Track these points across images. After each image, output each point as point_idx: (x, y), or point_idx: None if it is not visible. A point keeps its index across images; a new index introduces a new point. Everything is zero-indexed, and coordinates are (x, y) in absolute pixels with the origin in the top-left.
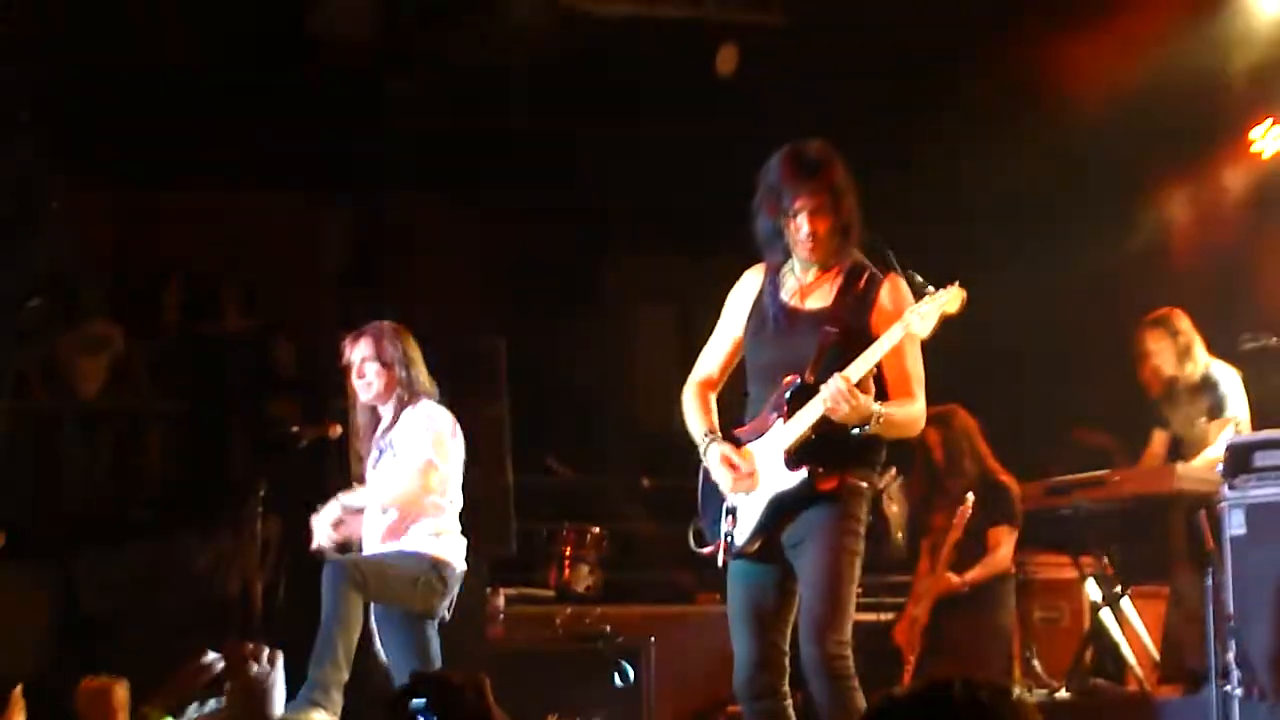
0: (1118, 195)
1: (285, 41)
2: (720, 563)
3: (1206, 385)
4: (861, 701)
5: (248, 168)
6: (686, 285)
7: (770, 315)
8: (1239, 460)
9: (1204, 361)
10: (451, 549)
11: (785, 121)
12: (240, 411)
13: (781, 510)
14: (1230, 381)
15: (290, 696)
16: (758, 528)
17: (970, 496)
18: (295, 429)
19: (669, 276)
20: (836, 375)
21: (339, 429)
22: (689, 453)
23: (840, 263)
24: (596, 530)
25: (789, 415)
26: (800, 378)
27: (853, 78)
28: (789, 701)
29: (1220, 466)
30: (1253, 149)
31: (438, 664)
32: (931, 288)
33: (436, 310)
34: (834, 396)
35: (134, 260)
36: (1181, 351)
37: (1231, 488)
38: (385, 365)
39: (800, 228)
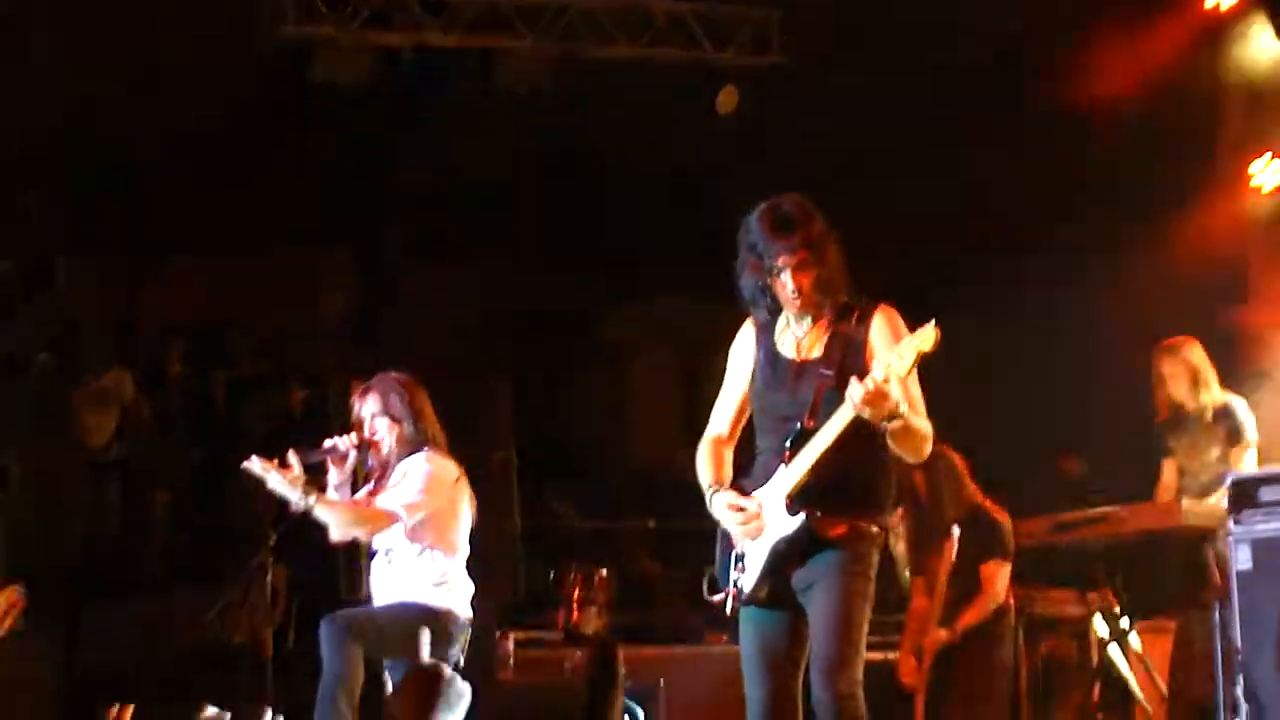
0: (1116, 224)
1: (287, 97)
2: (729, 610)
3: (1223, 415)
4: None
5: (251, 222)
6: (687, 327)
7: (770, 370)
8: (1244, 495)
9: (1218, 391)
10: (454, 598)
11: (785, 161)
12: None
13: (784, 555)
14: (1244, 410)
15: None
16: (763, 574)
17: (956, 530)
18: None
19: (669, 319)
20: (857, 381)
21: None
22: (693, 494)
23: (829, 309)
24: (604, 572)
25: (789, 460)
26: (800, 423)
27: (852, 115)
28: None
29: (1225, 500)
30: (1252, 183)
31: None
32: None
33: (437, 359)
34: (864, 396)
35: (141, 315)
36: (1193, 380)
37: (1237, 522)
38: (394, 420)
39: (786, 284)
